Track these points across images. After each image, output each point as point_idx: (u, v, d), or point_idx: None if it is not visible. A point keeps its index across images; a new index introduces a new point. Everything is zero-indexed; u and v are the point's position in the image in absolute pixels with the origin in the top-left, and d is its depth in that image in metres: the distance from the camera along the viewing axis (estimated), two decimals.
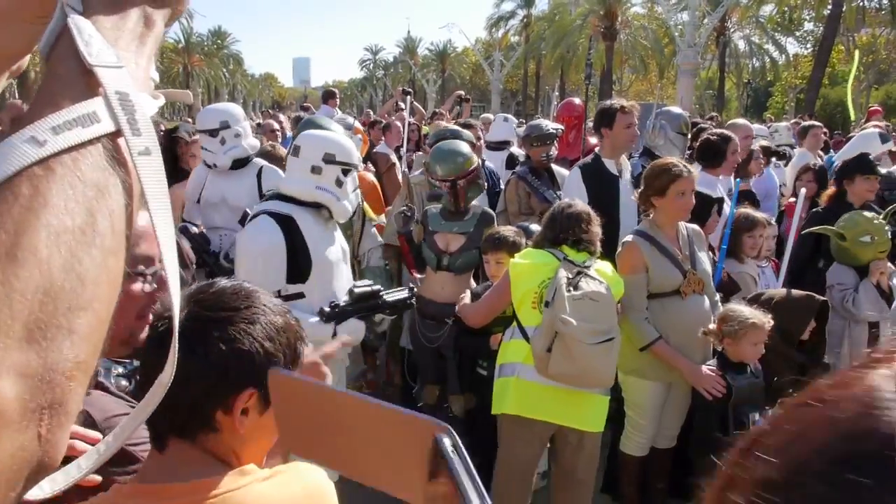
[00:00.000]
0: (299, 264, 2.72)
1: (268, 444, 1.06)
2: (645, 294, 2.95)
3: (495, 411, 2.82)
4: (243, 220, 3.10)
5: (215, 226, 3.71)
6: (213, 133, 3.70)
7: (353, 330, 2.82)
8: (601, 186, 3.96)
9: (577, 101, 5.53)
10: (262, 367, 0.95)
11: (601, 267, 2.77)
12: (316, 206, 2.80)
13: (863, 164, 4.14)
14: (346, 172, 2.83)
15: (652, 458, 3.18)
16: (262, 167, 3.81)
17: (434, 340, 3.50)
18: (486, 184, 3.97)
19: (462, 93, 8.23)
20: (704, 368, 2.86)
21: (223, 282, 1.06)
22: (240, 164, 3.76)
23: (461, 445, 0.62)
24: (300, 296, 2.75)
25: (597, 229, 2.83)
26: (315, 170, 2.78)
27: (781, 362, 2.89)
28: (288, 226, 2.71)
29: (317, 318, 2.72)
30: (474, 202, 3.65)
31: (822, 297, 3.00)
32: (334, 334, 2.74)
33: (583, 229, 2.77)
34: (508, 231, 3.29)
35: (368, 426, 0.68)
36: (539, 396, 2.68)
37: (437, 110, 8.51)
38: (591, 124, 6.18)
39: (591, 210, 2.87)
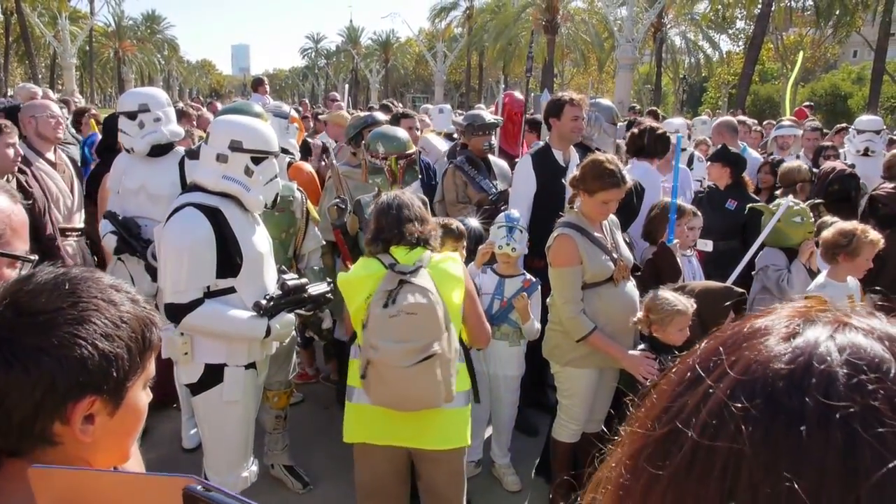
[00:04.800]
0: (230, 258, 2.60)
1: (128, 441, 0.96)
2: (580, 286, 2.95)
3: (344, 439, 2.60)
4: None
5: (131, 215, 3.54)
6: (131, 116, 3.55)
7: (286, 324, 2.76)
8: (549, 176, 4.01)
9: (518, 94, 5.54)
10: (100, 370, 0.85)
11: (440, 262, 2.46)
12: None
13: (720, 155, 4.67)
14: (257, 161, 2.67)
15: (581, 442, 3.24)
16: (185, 155, 3.65)
17: None
18: (420, 175, 3.94)
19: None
20: (640, 354, 2.90)
21: (43, 274, 0.89)
22: (161, 150, 3.61)
23: (212, 483, 0.65)
24: (231, 290, 2.65)
25: (430, 217, 2.57)
26: (221, 158, 2.63)
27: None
28: (216, 218, 2.58)
29: (251, 314, 2.64)
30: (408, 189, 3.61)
31: (740, 290, 3.08)
32: (268, 330, 2.67)
33: (413, 223, 2.46)
34: (451, 220, 3.28)
35: (124, 498, 0.72)
36: (372, 419, 2.48)
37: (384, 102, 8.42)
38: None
39: (418, 197, 2.59)
